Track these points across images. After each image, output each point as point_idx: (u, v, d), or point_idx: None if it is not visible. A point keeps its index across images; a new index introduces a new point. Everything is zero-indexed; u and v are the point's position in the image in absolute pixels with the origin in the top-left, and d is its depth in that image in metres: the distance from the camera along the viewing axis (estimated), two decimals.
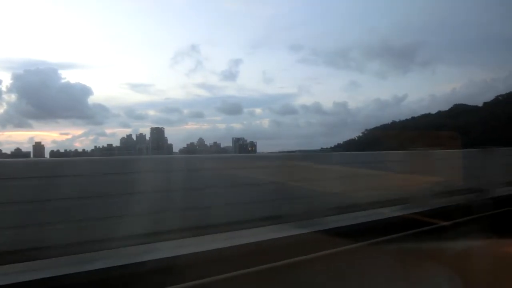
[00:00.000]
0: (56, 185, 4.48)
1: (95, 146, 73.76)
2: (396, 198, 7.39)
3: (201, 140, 74.65)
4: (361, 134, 70.78)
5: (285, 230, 5.34)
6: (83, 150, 70.67)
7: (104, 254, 4.20)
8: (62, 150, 67.90)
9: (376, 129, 69.54)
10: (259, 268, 4.24)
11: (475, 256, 4.68)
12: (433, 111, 71.80)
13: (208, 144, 73.75)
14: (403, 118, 73.61)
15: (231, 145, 72.56)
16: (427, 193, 7.53)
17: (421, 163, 7.84)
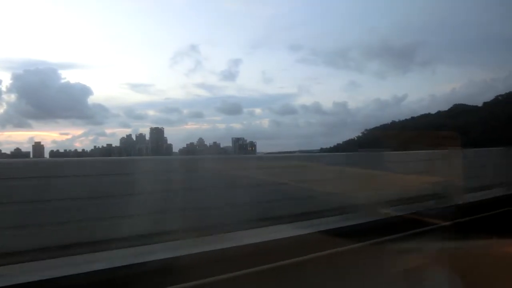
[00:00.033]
0: (55, 185, 4.48)
1: (95, 146, 73.60)
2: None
3: (201, 140, 74.63)
4: (360, 134, 70.76)
5: (285, 231, 5.35)
6: (83, 150, 70.47)
7: (104, 255, 4.20)
8: (61, 150, 67.77)
9: (375, 129, 69.51)
10: (259, 268, 4.23)
11: (475, 256, 4.68)
12: (433, 111, 71.80)
13: (208, 144, 73.72)
14: (403, 118, 73.60)
15: (230, 145, 72.51)
16: None
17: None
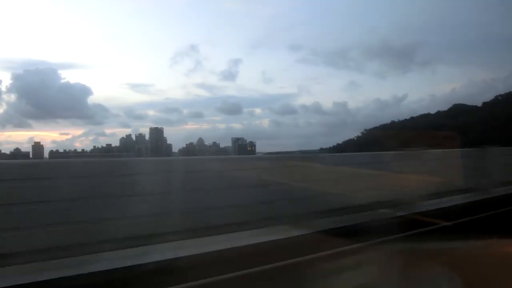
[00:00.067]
0: (54, 186, 4.48)
1: (94, 146, 73.46)
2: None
3: (200, 140, 74.54)
4: (360, 134, 70.76)
5: (286, 231, 5.35)
6: (82, 150, 70.39)
7: (104, 256, 4.21)
8: (61, 150, 67.71)
9: (375, 129, 69.52)
10: (259, 269, 4.24)
11: (475, 256, 4.69)
12: (433, 111, 71.81)
13: (208, 144, 73.68)
14: (402, 118, 73.60)
15: (230, 145, 72.49)
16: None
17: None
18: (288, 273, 4.42)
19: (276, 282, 4.25)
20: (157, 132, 73.82)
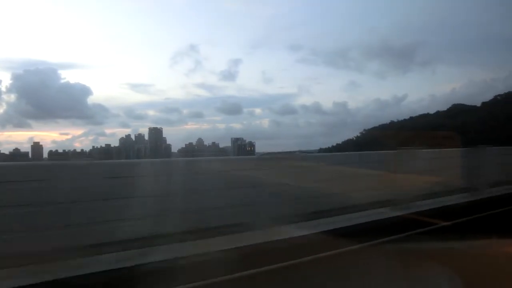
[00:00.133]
0: (54, 188, 4.47)
1: (93, 146, 73.49)
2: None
3: (200, 140, 74.57)
4: (359, 135, 70.81)
5: (286, 231, 5.35)
6: (82, 150, 70.37)
7: (104, 257, 4.21)
8: (61, 150, 67.65)
9: (374, 129, 69.58)
10: (260, 269, 4.24)
11: (475, 256, 4.69)
12: (433, 111, 71.91)
13: (207, 144, 73.69)
14: (402, 118, 73.68)
15: (230, 145, 72.50)
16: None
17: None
18: (289, 274, 4.42)
19: (276, 282, 4.26)
20: (156, 132, 73.86)
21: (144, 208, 4.75)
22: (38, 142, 68.53)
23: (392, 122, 72.41)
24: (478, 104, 66.97)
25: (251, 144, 70.55)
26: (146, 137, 73.35)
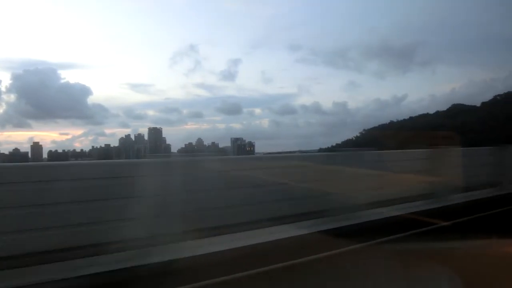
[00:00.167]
0: (53, 189, 4.46)
1: (93, 146, 73.51)
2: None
3: (199, 140, 74.60)
4: (358, 135, 70.83)
5: (285, 231, 5.35)
6: (81, 150, 70.39)
7: (104, 258, 4.20)
8: (60, 150, 67.64)
9: (374, 129, 69.62)
10: (260, 270, 4.24)
11: (475, 256, 4.69)
12: (432, 111, 71.97)
13: (207, 144, 73.69)
14: (401, 118, 73.75)
15: (229, 145, 72.50)
16: None
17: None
18: (288, 274, 4.42)
19: (275, 282, 4.25)
20: (155, 132, 73.86)
21: (144, 208, 4.74)
22: (38, 142, 68.51)
23: (391, 122, 72.46)
24: (478, 104, 67.07)
25: (251, 144, 70.59)
26: (146, 137, 73.38)
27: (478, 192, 9.20)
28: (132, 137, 74.16)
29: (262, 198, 5.93)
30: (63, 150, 68.39)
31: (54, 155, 63.19)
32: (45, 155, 64.36)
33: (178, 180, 5.22)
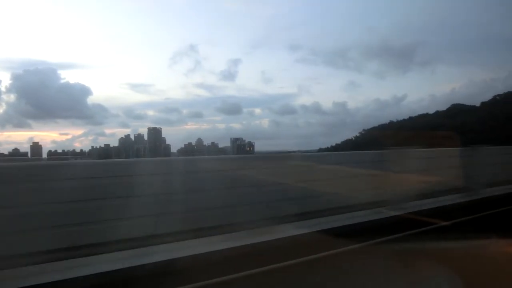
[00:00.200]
0: (52, 188, 4.45)
1: (92, 146, 73.72)
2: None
3: (199, 140, 74.81)
4: (358, 134, 70.98)
5: (285, 231, 5.34)
6: (81, 150, 70.56)
7: (103, 257, 4.19)
8: (60, 150, 67.73)
9: (373, 129, 69.76)
10: (259, 270, 4.23)
11: (475, 256, 4.69)
12: (432, 111, 72.09)
13: (206, 144, 73.84)
14: (401, 118, 73.88)
15: (229, 145, 72.64)
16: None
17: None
18: (287, 274, 4.42)
19: (274, 282, 4.25)
20: (155, 132, 74.01)
21: (143, 207, 4.73)
22: (37, 142, 68.69)
23: (391, 122, 72.64)
24: (478, 104, 67.21)
25: (251, 144, 70.77)
26: (146, 137, 73.49)
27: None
28: (132, 137, 74.36)
29: (262, 198, 5.92)
30: (63, 150, 68.51)
31: (54, 155, 63.26)
32: (44, 155, 64.47)
33: (178, 179, 5.21)
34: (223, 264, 4.27)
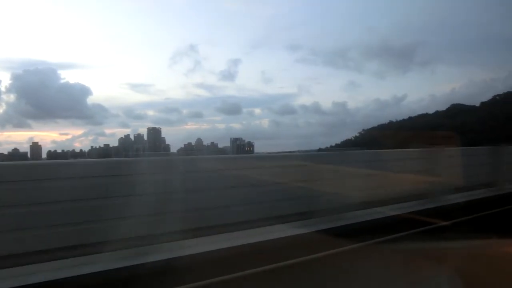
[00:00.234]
0: (52, 188, 4.45)
1: (92, 146, 73.67)
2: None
3: (199, 140, 74.73)
4: (357, 134, 70.94)
5: (285, 230, 5.34)
6: (81, 150, 70.50)
7: (103, 256, 4.19)
8: (60, 151, 67.69)
9: (373, 129, 69.75)
10: (259, 269, 4.23)
11: (475, 256, 4.69)
12: (432, 111, 72.09)
13: (206, 144, 73.80)
14: (401, 118, 73.88)
15: (229, 145, 72.59)
16: None
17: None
18: (287, 274, 4.42)
19: (274, 282, 4.25)
20: (155, 132, 73.94)
21: (143, 206, 4.73)
22: (37, 142, 68.60)
23: (391, 122, 72.61)
24: (477, 104, 67.19)
25: (250, 144, 70.69)
26: (145, 137, 73.42)
27: (476, 192, 9.21)
28: (132, 137, 74.27)
29: (261, 198, 5.92)
30: (62, 150, 68.46)
31: (53, 155, 63.24)
32: (44, 155, 64.41)
33: (178, 178, 5.20)
34: (223, 263, 4.27)
